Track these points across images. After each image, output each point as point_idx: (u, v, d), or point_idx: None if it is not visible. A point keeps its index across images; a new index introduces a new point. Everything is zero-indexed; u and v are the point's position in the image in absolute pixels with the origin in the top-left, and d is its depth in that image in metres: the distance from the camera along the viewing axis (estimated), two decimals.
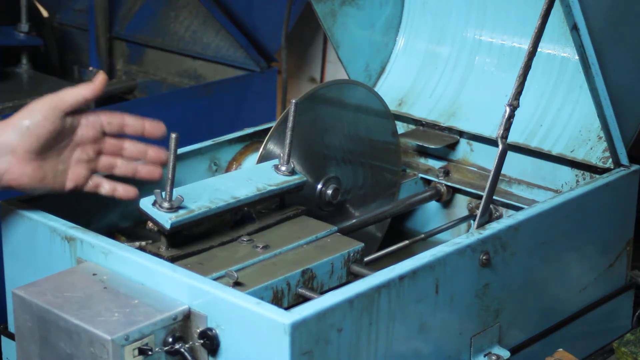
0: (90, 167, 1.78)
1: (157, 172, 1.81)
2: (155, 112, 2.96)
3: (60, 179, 1.75)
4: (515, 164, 2.15)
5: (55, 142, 1.72)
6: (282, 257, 1.74)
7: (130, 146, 1.81)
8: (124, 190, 1.79)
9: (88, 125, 1.76)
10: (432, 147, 2.24)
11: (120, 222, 1.93)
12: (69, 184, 1.76)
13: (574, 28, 1.86)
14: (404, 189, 2.22)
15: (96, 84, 1.75)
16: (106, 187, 1.79)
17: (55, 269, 1.69)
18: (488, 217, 1.83)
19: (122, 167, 1.80)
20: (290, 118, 1.85)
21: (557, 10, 1.93)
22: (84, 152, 1.76)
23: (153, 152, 1.81)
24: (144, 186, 1.93)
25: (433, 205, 2.27)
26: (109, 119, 1.78)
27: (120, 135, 1.80)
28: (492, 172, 1.80)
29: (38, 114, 1.70)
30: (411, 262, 1.64)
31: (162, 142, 1.81)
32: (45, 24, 3.46)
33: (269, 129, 2.02)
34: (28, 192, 1.76)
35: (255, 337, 1.49)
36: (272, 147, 1.97)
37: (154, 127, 1.80)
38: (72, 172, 1.76)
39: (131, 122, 1.79)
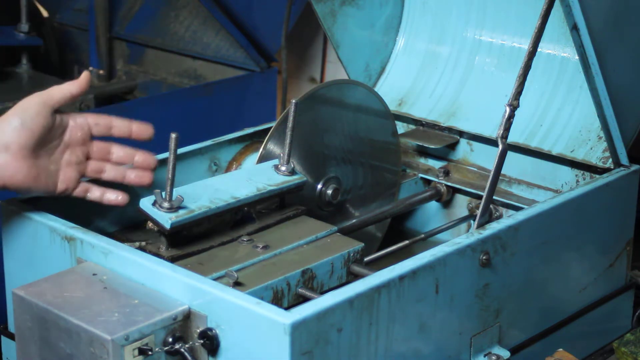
0: (79, 170, 1.78)
1: (146, 177, 1.80)
2: (155, 112, 2.98)
3: (52, 180, 1.74)
4: (515, 164, 2.15)
5: (47, 140, 1.73)
6: (282, 257, 1.74)
7: (117, 150, 1.80)
8: (113, 196, 1.79)
9: (76, 126, 1.76)
10: (432, 147, 2.24)
11: (121, 222, 1.93)
12: (60, 185, 1.75)
13: (574, 28, 1.86)
14: (404, 189, 2.22)
15: (81, 80, 1.76)
16: (95, 193, 1.79)
17: (55, 269, 1.69)
18: (488, 217, 1.83)
19: (110, 171, 1.80)
20: (290, 118, 1.85)
21: (557, 10, 1.93)
22: (73, 154, 1.76)
23: (141, 157, 1.80)
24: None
25: (433, 205, 2.27)
26: (96, 121, 1.78)
27: (109, 138, 1.80)
28: (492, 172, 1.80)
29: (30, 110, 1.70)
30: (411, 262, 1.64)
31: (162, 142, 1.81)
32: (45, 24, 3.46)
33: (269, 129, 2.02)
34: (22, 192, 1.76)
35: (255, 337, 1.49)
36: (272, 147, 1.97)
37: (141, 129, 1.80)
38: (63, 174, 1.76)
39: (118, 124, 1.79)
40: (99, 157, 1.80)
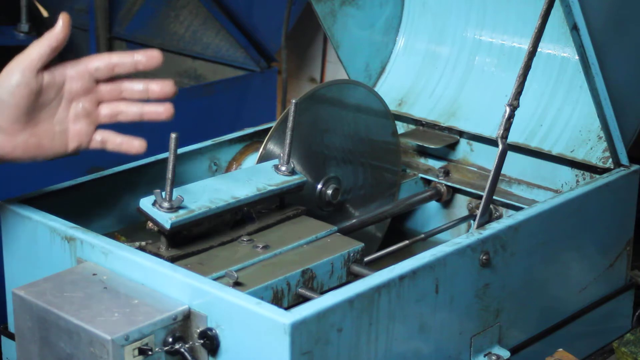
0: (91, 121, 1.67)
1: (166, 109, 1.68)
2: None
3: (60, 141, 1.66)
4: (515, 164, 2.15)
5: (42, 103, 1.64)
6: (282, 257, 1.74)
7: (129, 86, 1.69)
8: (132, 144, 1.69)
9: (74, 76, 1.66)
10: (432, 147, 2.24)
11: (121, 222, 1.93)
12: (72, 144, 1.67)
13: (574, 28, 1.86)
14: (404, 189, 2.22)
15: (58, 29, 1.62)
16: (116, 140, 1.68)
17: (55, 269, 1.69)
18: (488, 217, 1.83)
19: (127, 112, 1.68)
20: (290, 118, 1.85)
21: (557, 10, 1.93)
22: (80, 107, 1.66)
23: (156, 85, 1.68)
24: (144, 186, 1.93)
25: (433, 205, 2.27)
26: (95, 65, 1.66)
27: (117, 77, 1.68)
28: (492, 172, 1.80)
29: (8, 83, 1.60)
30: (411, 262, 1.64)
31: (162, 142, 1.81)
32: (45, 24, 3.46)
33: (269, 129, 2.02)
34: (30, 161, 1.67)
35: (255, 337, 1.49)
36: (272, 147, 1.97)
37: (147, 57, 1.68)
38: (73, 130, 1.67)
39: (120, 60, 1.67)
40: (111, 98, 1.68)
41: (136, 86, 1.70)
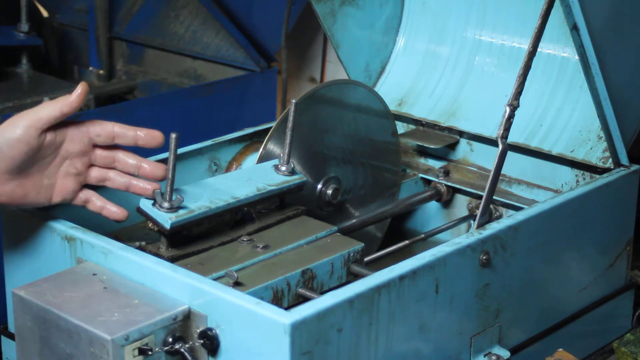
0: (79, 181, 1.72)
1: (152, 188, 1.72)
2: (155, 112, 2.97)
3: (45, 194, 1.69)
4: (515, 164, 2.15)
5: (36, 159, 1.66)
6: (282, 257, 1.74)
7: (123, 158, 1.73)
8: (114, 211, 1.73)
9: (74, 139, 1.69)
10: (432, 147, 2.24)
11: (120, 222, 1.93)
12: (56, 198, 1.70)
13: (574, 28, 1.86)
14: (404, 189, 2.22)
15: (74, 97, 1.66)
16: (96, 204, 1.73)
17: (55, 269, 1.69)
18: (488, 217, 1.83)
19: (114, 180, 1.73)
20: (290, 118, 1.85)
21: (557, 10, 1.93)
22: (72, 166, 1.70)
23: (148, 166, 1.72)
24: None
25: (433, 205, 2.27)
26: (98, 131, 1.70)
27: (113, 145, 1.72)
28: (492, 172, 1.80)
29: (12, 134, 1.62)
30: (411, 262, 1.64)
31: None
32: (45, 24, 3.47)
33: (269, 129, 2.02)
34: (11, 207, 1.71)
35: (255, 337, 1.49)
36: (272, 147, 1.97)
37: (148, 137, 1.71)
38: (60, 185, 1.70)
39: (122, 133, 1.71)
40: (103, 164, 1.73)
41: (130, 160, 1.73)
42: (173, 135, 1.67)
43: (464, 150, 2.26)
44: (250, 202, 1.80)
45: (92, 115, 2.77)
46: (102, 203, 1.74)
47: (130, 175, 1.74)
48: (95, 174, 1.73)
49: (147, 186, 1.72)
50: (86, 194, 1.74)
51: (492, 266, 1.75)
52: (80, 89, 1.67)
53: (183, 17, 3.35)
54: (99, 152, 1.73)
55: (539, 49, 1.87)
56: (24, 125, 1.64)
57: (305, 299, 1.67)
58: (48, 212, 1.76)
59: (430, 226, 2.23)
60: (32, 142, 1.64)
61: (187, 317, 1.55)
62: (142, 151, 1.90)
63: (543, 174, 2.14)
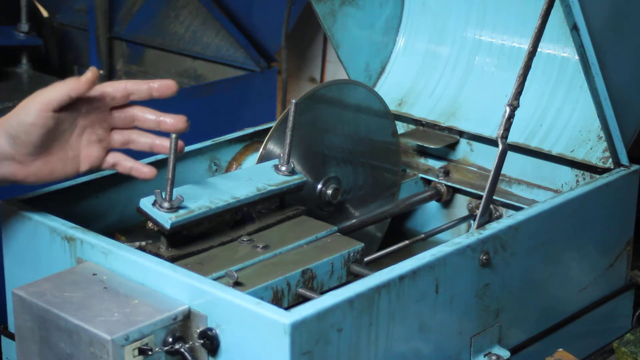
0: (103, 146, 1.72)
1: (178, 145, 1.70)
2: None
3: (72, 165, 1.70)
4: (515, 164, 2.15)
5: (55, 136, 1.67)
6: (282, 257, 1.74)
7: (142, 115, 1.73)
8: (144, 171, 1.73)
9: (90, 107, 1.69)
10: (432, 147, 2.24)
11: (121, 222, 1.93)
12: (83, 166, 1.71)
13: (574, 28, 1.86)
14: (404, 189, 2.22)
15: (83, 81, 1.67)
16: (126, 165, 1.73)
17: (55, 269, 1.69)
18: (488, 217, 1.83)
19: (137, 142, 1.73)
20: (290, 118, 1.85)
21: (557, 10, 1.93)
22: (93, 134, 1.70)
23: (169, 120, 1.72)
24: (144, 186, 1.93)
25: (433, 205, 2.27)
26: (111, 94, 1.70)
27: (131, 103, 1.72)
28: (492, 172, 1.80)
29: (25, 120, 1.64)
30: (411, 262, 1.64)
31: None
32: (45, 24, 3.47)
33: (269, 129, 2.02)
34: (43, 183, 1.72)
35: (255, 337, 1.49)
36: (272, 147, 1.97)
37: (163, 87, 1.72)
38: (85, 154, 1.71)
39: (136, 89, 1.71)
40: (123, 125, 1.73)
41: (149, 116, 1.73)
42: (173, 135, 1.67)
43: (464, 150, 2.26)
44: (250, 202, 1.80)
45: None
46: (131, 163, 1.73)
47: (153, 135, 1.74)
48: (118, 137, 1.73)
49: (167, 141, 1.71)
50: (114, 156, 1.73)
51: (492, 266, 1.75)
52: (90, 74, 1.68)
53: (183, 17, 3.35)
54: (117, 114, 1.73)
55: (539, 49, 1.87)
56: (35, 110, 1.64)
57: (305, 299, 1.67)
58: (48, 212, 1.76)
59: (430, 226, 2.23)
60: (48, 123, 1.65)
61: (187, 317, 1.55)
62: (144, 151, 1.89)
63: (543, 174, 2.14)
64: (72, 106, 1.68)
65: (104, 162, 1.73)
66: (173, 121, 1.73)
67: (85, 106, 1.70)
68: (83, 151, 1.71)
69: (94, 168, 1.73)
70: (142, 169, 1.74)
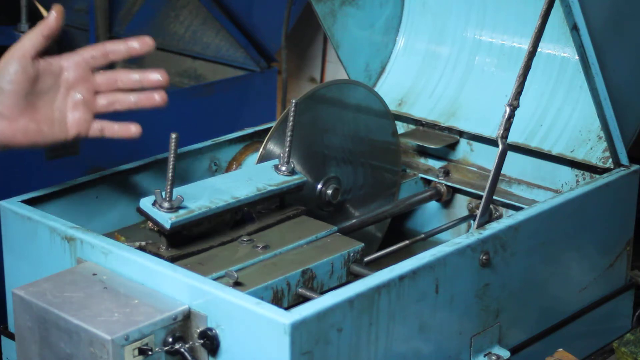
0: (89, 110, 1.73)
1: (160, 95, 1.75)
2: (156, 112, 2.96)
3: (59, 128, 1.71)
4: (515, 164, 2.15)
5: (39, 90, 1.69)
6: (282, 257, 1.74)
7: (125, 75, 1.75)
8: (128, 129, 1.75)
9: (71, 66, 1.72)
10: (432, 147, 2.24)
11: (121, 222, 1.93)
12: (71, 131, 1.72)
13: (574, 28, 1.86)
14: (404, 189, 2.22)
15: (50, 18, 1.71)
16: (113, 128, 1.75)
17: (55, 269, 1.69)
18: (488, 217, 1.83)
19: (122, 101, 1.75)
20: (290, 118, 1.85)
21: (557, 10, 1.93)
22: (78, 95, 1.72)
23: (152, 74, 1.75)
24: (144, 186, 1.93)
25: (433, 205, 2.27)
26: (91, 53, 1.73)
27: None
28: (492, 172, 1.80)
29: (7, 71, 1.67)
30: (411, 262, 1.64)
31: (162, 142, 1.81)
32: None
33: (269, 129, 2.02)
34: (33, 148, 1.72)
35: (255, 337, 1.49)
36: (272, 147, 1.97)
37: (140, 43, 1.74)
38: (72, 118, 1.72)
39: (114, 47, 1.73)
40: (107, 88, 1.75)
41: (132, 76, 1.75)
42: (173, 135, 1.67)
43: (464, 150, 2.26)
44: (250, 202, 1.80)
45: None
46: (118, 126, 1.75)
47: (136, 92, 1.76)
48: (102, 101, 1.75)
49: (154, 95, 1.75)
50: (100, 122, 1.75)
51: (492, 266, 1.75)
52: (54, 10, 1.72)
53: (183, 17, 3.35)
54: (100, 76, 1.75)
55: (539, 49, 1.87)
56: (13, 57, 1.68)
57: (305, 299, 1.67)
58: (48, 212, 1.76)
59: (430, 226, 2.23)
60: (28, 70, 1.68)
61: (187, 317, 1.55)
62: (145, 150, 1.90)
63: (543, 174, 2.14)
64: (52, 61, 1.71)
65: (90, 129, 1.74)
66: (155, 75, 1.75)
67: (67, 66, 1.72)
68: (69, 114, 1.72)
69: (81, 135, 1.73)
70: (129, 127, 1.76)
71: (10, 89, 1.67)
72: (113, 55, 1.74)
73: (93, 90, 1.74)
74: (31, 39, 1.70)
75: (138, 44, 1.74)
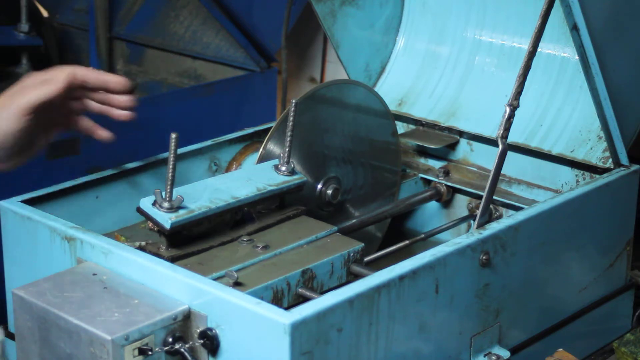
0: (66, 123, 1.82)
1: (104, 133, 1.84)
2: (155, 112, 2.97)
3: (40, 147, 1.80)
4: (515, 164, 2.15)
5: (31, 137, 1.76)
6: (282, 257, 1.74)
7: (94, 105, 1.82)
8: (100, 132, 1.83)
9: (54, 107, 1.77)
10: (432, 147, 2.24)
11: (121, 222, 1.93)
12: (51, 137, 1.81)
13: (574, 28, 1.86)
14: (404, 189, 2.22)
15: (60, 86, 1.74)
16: (86, 124, 1.83)
17: (55, 269, 1.69)
18: (488, 217, 1.83)
19: (91, 108, 1.82)
20: (290, 118, 1.85)
21: (557, 10, 1.93)
22: (53, 120, 1.79)
23: (118, 100, 1.80)
24: (144, 186, 1.93)
25: (433, 205, 2.27)
26: (76, 93, 1.79)
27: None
28: (492, 172, 1.80)
29: (8, 127, 1.72)
30: (411, 262, 1.64)
31: (162, 142, 1.81)
32: (45, 24, 3.46)
33: (269, 129, 2.02)
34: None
35: (255, 337, 1.49)
36: (272, 147, 1.97)
37: (116, 83, 1.79)
38: (46, 134, 1.80)
39: (93, 78, 1.78)
40: (79, 108, 1.82)
41: (100, 103, 1.83)
42: (173, 135, 1.67)
43: (464, 150, 2.26)
44: (250, 202, 1.80)
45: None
46: (91, 124, 1.84)
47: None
48: (72, 120, 1.84)
49: (99, 130, 1.85)
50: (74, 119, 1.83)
51: (492, 266, 1.75)
52: (65, 76, 1.75)
53: (183, 17, 3.35)
54: (73, 103, 1.81)
55: (539, 49, 1.87)
56: (14, 111, 1.72)
57: (305, 299, 1.67)
58: (48, 212, 1.76)
59: (430, 226, 2.23)
60: (21, 124, 1.73)
61: (187, 317, 1.55)
62: (145, 150, 1.90)
63: (543, 174, 2.14)
64: (44, 108, 1.75)
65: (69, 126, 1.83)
66: (119, 84, 1.79)
67: (53, 107, 1.76)
68: (51, 134, 1.81)
69: (60, 133, 1.84)
70: (102, 131, 1.84)
71: (5, 143, 1.73)
72: (89, 85, 1.79)
73: (66, 112, 1.81)
74: (39, 98, 1.73)
75: (114, 85, 1.79)
